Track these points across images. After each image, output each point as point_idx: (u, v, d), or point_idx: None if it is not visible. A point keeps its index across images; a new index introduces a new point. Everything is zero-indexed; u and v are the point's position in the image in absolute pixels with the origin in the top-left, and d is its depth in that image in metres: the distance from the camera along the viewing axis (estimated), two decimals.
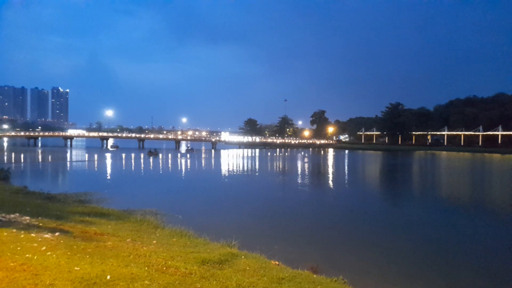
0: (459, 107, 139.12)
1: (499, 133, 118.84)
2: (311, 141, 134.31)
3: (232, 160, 58.99)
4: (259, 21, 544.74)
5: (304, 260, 10.51)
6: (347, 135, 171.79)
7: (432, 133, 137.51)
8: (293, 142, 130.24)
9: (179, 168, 44.44)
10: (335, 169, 48.60)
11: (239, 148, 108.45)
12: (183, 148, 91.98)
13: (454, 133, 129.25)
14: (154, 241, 9.79)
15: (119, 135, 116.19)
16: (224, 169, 42.50)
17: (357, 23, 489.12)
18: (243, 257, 8.92)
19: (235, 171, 40.81)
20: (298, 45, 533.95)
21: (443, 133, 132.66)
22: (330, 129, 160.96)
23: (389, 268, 10.92)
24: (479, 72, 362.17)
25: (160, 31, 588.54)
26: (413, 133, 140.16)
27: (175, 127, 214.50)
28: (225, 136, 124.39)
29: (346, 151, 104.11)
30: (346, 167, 52.29)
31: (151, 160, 54.23)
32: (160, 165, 46.45)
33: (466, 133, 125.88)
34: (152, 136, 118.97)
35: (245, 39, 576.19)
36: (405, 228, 16.34)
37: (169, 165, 47.43)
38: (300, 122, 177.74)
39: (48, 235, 8.21)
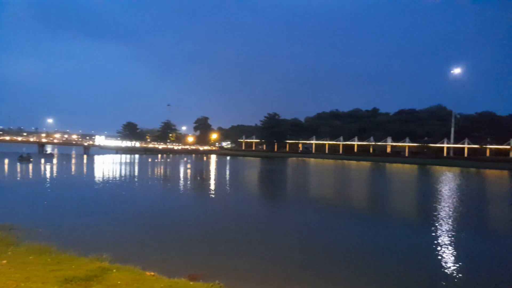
0: (326, 119, 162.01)
1: (355, 143, 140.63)
2: (194, 147, 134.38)
3: (108, 166, 54.61)
4: (146, 21, 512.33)
5: (184, 269, 10.41)
6: (229, 142, 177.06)
7: (303, 141, 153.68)
8: (176, 148, 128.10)
9: (42, 175, 39.00)
10: (217, 174, 49.49)
11: (117, 153, 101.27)
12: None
13: (320, 142, 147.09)
14: (4, 261, 8.40)
15: None
16: (98, 176, 39.00)
17: (246, 35, 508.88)
18: (114, 270, 8.36)
19: (111, 178, 37.87)
20: (186, 50, 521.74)
21: (312, 142, 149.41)
22: (213, 136, 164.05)
23: (268, 271, 11.39)
24: (339, 90, 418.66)
25: (25, 19, 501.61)
26: (288, 141, 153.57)
27: (39, 128, 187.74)
28: (100, 140, 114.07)
29: (228, 157, 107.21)
30: (227, 173, 53.75)
31: (5, 166, 46.30)
32: (18, 172, 40.03)
33: (330, 142, 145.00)
34: (7, 138, 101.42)
35: (129, 39, 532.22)
36: (283, 229, 17.55)
37: (30, 172, 41.25)
38: (184, 128, 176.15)
39: None
